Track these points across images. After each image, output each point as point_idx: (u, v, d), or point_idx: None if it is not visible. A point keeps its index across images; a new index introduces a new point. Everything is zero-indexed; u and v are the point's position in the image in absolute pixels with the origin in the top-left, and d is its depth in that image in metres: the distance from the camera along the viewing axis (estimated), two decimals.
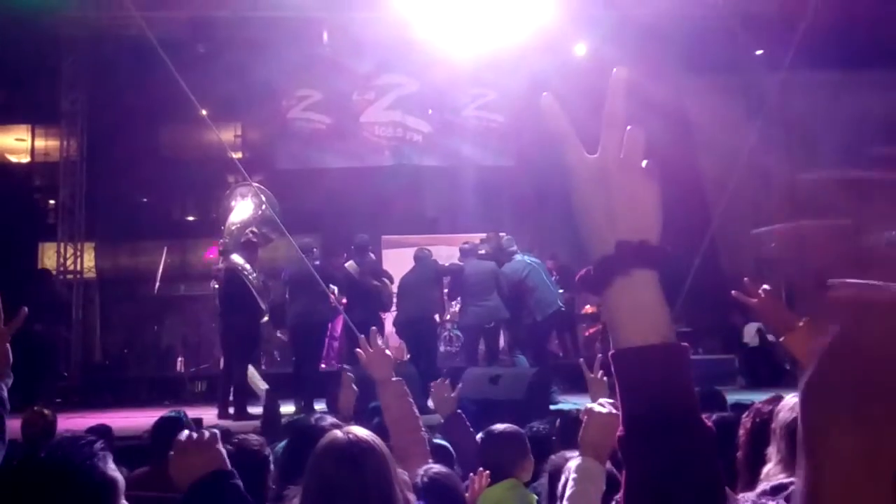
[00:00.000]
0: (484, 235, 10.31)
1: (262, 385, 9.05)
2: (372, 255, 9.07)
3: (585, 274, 0.87)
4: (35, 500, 1.49)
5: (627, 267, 0.84)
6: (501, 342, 10.60)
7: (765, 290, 2.52)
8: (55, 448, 1.55)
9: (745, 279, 2.66)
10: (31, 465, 1.52)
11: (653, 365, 0.81)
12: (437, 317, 10.03)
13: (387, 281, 9.00)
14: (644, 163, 0.88)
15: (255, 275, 8.37)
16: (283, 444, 3.18)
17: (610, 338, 0.86)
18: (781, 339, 2.39)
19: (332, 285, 8.44)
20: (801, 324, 2.33)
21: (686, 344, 0.85)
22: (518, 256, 9.13)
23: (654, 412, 0.80)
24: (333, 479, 1.73)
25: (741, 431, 2.28)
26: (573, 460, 2.16)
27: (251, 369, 9.12)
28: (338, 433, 1.81)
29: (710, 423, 0.82)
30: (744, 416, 2.41)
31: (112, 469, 1.56)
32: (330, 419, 2.87)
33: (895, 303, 0.57)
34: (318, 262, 8.53)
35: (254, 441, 3.12)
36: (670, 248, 0.86)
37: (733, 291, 2.69)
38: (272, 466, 3.06)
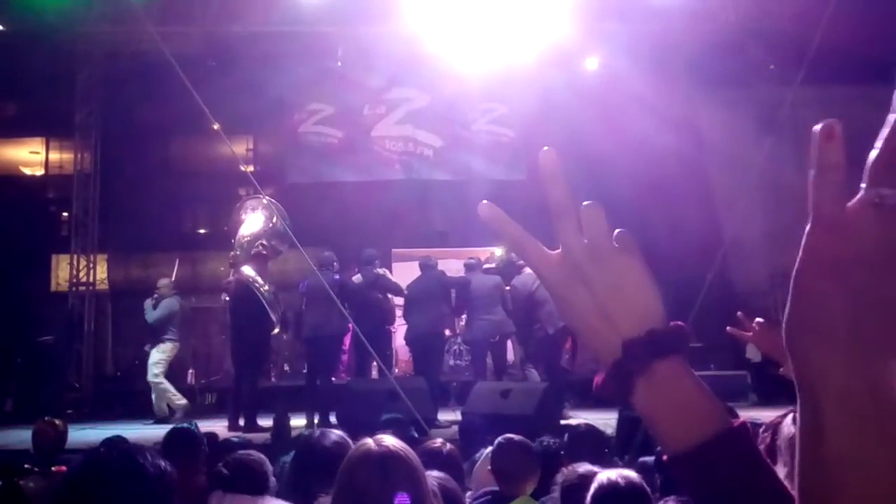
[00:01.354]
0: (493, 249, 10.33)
1: (179, 401, 9.39)
2: (382, 270, 9.08)
3: (603, 385, 0.76)
4: (105, 494, 1.59)
5: (644, 365, 0.73)
6: (511, 356, 10.58)
7: (759, 322, 2.48)
8: (111, 447, 1.68)
9: (739, 313, 2.63)
10: (96, 464, 1.63)
11: (717, 462, 0.71)
12: (446, 331, 10.04)
13: (390, 296, 9.05)
14: (613, 237, 0.76)
15: (266, 287, 8.40)
16: (288, 457, 3.18)
17: (658, 443, 0.75)
18: (781, 370, 2.38)
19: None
20: None
21: (742, 420, 0.74)
22: (527, 269, 9.13)
23: None
24: (365, 488, 1.73)
25: (760, 448, 2.27)
26: None
27: (165, 383, 9.40)
28: (369, 442, 1.81)
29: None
30: (761, 431, 2.40)
31: (165, 463, 1.68)
32: (336, 433, 2.86)
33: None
34: (337, 276, 8.57)
35: (254, 457, 3.09)
36: (684, 323, 0.76)
37: (728, 328, 2.63)
38: (273, 481, 3.03)
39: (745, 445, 0.72)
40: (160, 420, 8.94)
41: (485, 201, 0.82)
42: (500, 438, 3.35)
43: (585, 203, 0.76)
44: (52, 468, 4.22)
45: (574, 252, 0.76)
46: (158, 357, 9.41)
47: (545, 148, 0.79)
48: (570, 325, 0.78)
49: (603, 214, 0.76)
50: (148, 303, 9.62)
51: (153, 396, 9.40)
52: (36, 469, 4.24)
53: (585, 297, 0.75)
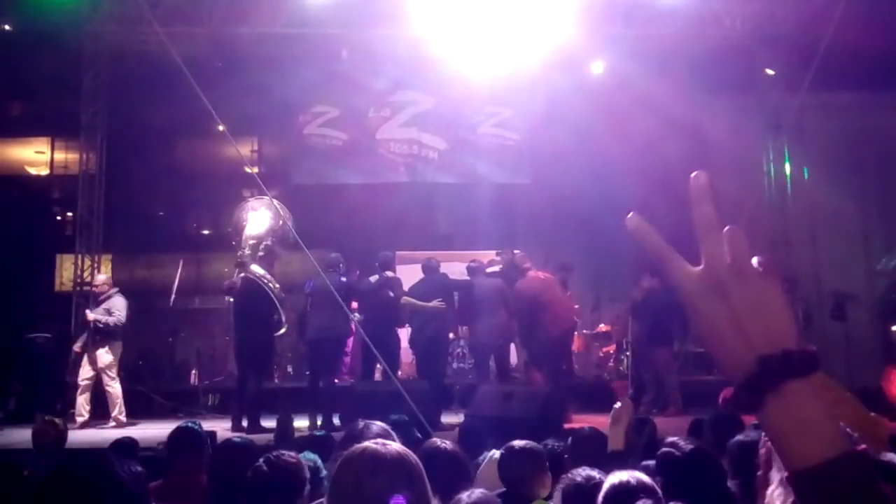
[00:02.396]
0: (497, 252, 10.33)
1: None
2: (391, 273, 9.10)
3: (734, 397, 0.81)
4: (74, 499, 1.59)
5: (777, 383, 0.78)
6: (515, 359, 10.57)
7: None
8: (91, 456, 1.66)
9: None
10: (66, 473, 1.62)
11: (837, 481, 0.74)
12: (450, 334, 10.04)
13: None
14: (755, 261, 0.82)
15: (277, 285, 8.45)
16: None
17: (780, 461, 0.80)
18: None
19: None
20: None
21: (865, 447, 0.78)
22: (531, 272, 9.13)
23: None
24: (370, 491, 1.70)
25: (762, 451, 2.27)
26: None
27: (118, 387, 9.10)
28: (368, 444, 1.79)
29: None
30: (763, 435, 2.40)
31: (139, 479, 1.67)
32: (378, 425, 2.82)
33: None
34: (343, 279, 8.58)
35: (290, 458, 2.93)
36: (814, 348, 0.81)
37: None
38: (308, 486, 2.88)
39: (867, 469, 0.76)
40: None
41: (632, 214, 0.87)
42: (503, 449, 3.33)
43: (729, 227, 0.83)
44: None
45: (718, 268, 0.82)
46: (112, 359, 9.08)
47: (695, 173, 0.86)
48: (702, 335, 0.83)
49: (745, 238, 0.82)
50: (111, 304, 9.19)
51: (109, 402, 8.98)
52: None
53: (723, 312, 0.81)
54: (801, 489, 0.77)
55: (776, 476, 1.98)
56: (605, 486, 2.36)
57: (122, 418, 9.01)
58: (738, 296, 0.80)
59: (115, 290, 9.39)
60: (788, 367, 0.78)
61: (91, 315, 9.10)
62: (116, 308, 9.15)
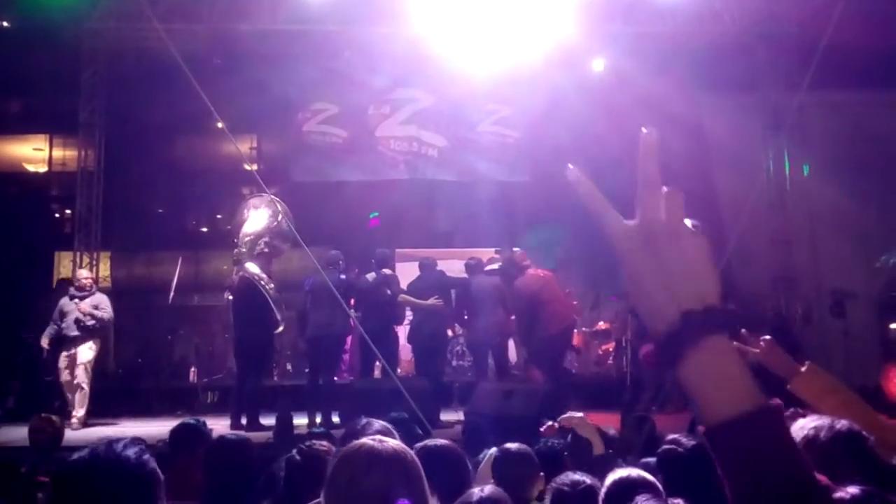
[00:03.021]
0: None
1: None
2: (388, 271, 9.09)
3: (655, 350, 0.85)
4: (93, 493, 1.62)
5: (698, 337, 0.81)
6: (514, 357, 10.57)
7: (765, 340, 2.57)
8: (108, 446, 1.69)
9: (743, 331, 2.69)
10: (88, 462, 1.65)
11: (752, 434, 0.77)
12: (449, 331, 10.04)
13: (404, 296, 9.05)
14: (689, 222, 0.85)
15: (271, 285, 8.40)
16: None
17: (696, 413, 0.82)
18: (788, 386, 2.44)
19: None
20: (803, 369, 2.43)
21: (779, 401, 0.81)
22: (531, 270, 9.12)
23: (766, 487, 0.75)
24: (358, 487, 1.69)
25: None
26: None
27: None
28: (365, 440, 1.78)
29: (826, 482, 0.77)
30: None
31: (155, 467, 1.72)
32: (379, 423, 2.83)
33: None
34: (343, 276, 8.58)
35: (321, 447, 2.93)
36: (735, 307, 0.83)
37: (735, 343, 2.68)
38: None
39: (779, 423, 0.79)
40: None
41: (571, 166, 0.90)
42: (497, 450, 3.37)
43: (667, 188, 0.86)
44: None
45: (652, 224, 0.84)
46: (93, 355, 8.83)
47: (647, 130, 0.87)
48: (631, 287, 0.85)
49: (682, 200, 0.85)
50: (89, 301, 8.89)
51: (75, 400, 8.67)
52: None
53: (653, 267, 0.83)
54: (716, 442, 0.79)
55: None
56: (607, 483, 2.40)
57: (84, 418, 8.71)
58: (669, 252, 0.83)
59: (95, 287, 9.20)
60: (710, 322, 0.81)
61: (86, 307, 8.77)
62: (103, 304, 8.96)
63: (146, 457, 1.70)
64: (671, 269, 0.83)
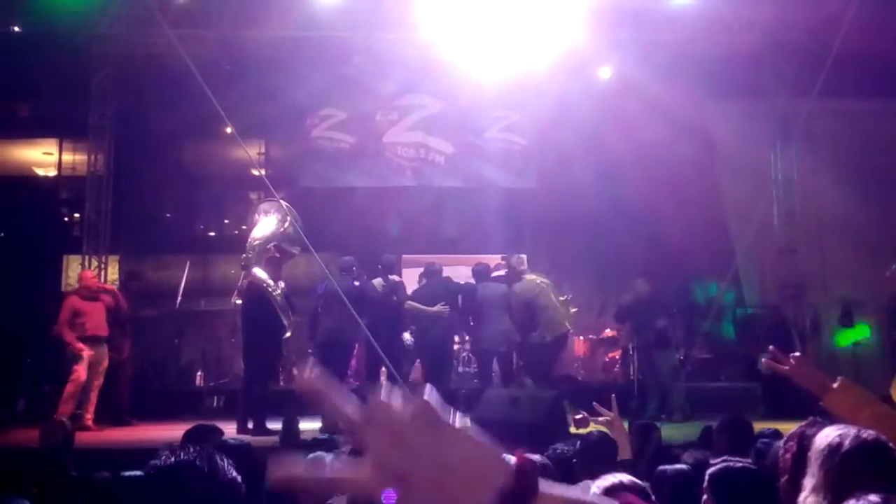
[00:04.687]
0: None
1: None
2: (395, 277, 9.09)
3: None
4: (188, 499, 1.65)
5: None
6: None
7: (795, 357, 2.56)
8: (200, 453, 1.70)
9: (771, 347, 2.69)
10: (174, 468, 1.67)
11: None
12: (455, 338, 10.03)
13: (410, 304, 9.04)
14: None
15: (278, 291, 8.41)
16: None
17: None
18: (821, 403, 2.43)
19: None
20: (835, 385, 2.40)
21: None
22: (528, 276, 9.11)
23: None
24: None
25: (786, 457, 2.25)
26: None
27: None
28: None
29: None
30: (784, 441, 2.38)
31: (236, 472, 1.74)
32: None
33: None
34: (357, 283, 8.59)
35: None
36: (527, 458, 0.72)
37: (763, 360, 2.74)
38: None
39: None
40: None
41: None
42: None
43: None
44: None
45: (386, 454, 0.68)
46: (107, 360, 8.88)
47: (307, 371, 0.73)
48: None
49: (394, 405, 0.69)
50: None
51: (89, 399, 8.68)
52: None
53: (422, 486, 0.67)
54: None
55: (809, 482, 1.95)
56: (594, 489, 2.33)
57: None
58: (418, 468, 0.67)
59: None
60: (526, 490, 0.69)
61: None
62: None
63: (232, 465, 1.73)
64: (436, 480, 0.67)
